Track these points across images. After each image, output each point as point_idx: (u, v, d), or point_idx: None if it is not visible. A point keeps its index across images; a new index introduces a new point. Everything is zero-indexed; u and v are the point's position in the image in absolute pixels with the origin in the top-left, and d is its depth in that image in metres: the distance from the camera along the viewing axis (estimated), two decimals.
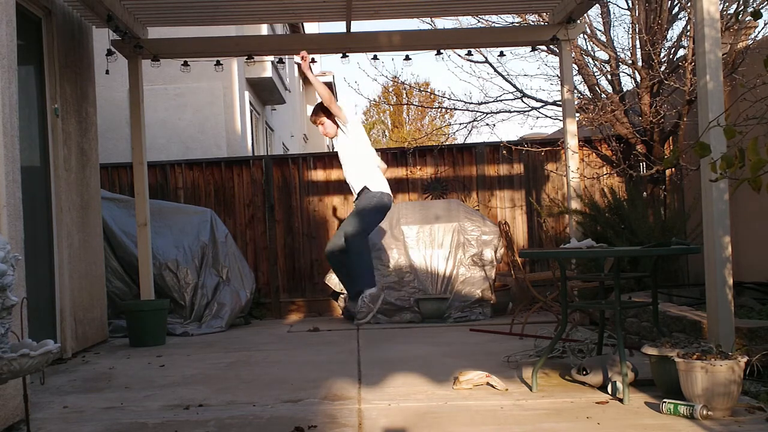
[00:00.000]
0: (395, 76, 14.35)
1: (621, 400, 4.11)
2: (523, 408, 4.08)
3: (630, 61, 8.48)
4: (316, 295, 9.48)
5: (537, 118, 10.08)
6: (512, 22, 9.28)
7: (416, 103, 16.29)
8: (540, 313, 7.06)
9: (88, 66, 7.30)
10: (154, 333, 7.02)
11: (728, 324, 4.45)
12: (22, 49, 5.19)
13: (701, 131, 4.34)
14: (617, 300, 4.40)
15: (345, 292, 8.34)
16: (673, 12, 8.26)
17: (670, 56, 8.31)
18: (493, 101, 9.49)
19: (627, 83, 9.05)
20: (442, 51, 8.28)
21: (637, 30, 8.31)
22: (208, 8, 7.32)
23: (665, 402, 3.87)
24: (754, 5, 6.86)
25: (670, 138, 8.41)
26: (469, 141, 10.10)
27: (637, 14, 8.30)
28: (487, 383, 4.55)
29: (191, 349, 6.68)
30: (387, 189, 6.20)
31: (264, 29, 13.04)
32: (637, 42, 8.34)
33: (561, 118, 8.35)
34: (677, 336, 4.62)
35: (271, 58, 12.18)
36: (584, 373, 4.46)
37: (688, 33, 7.72)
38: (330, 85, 25.08)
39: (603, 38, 8.86)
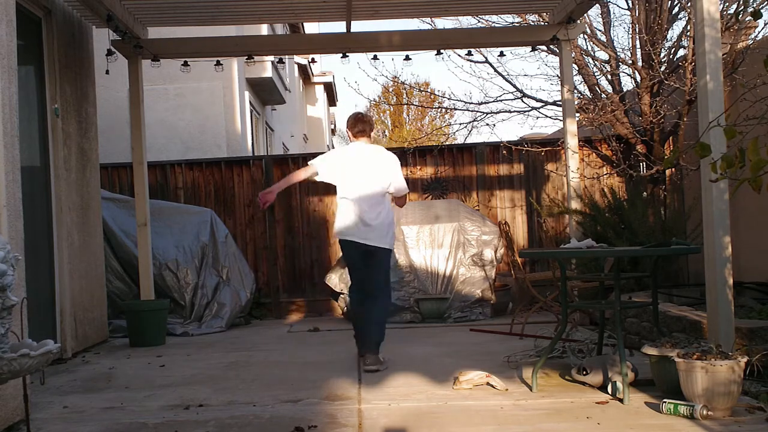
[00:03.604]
0: (395, 76, 14.35)
1: (621, 400, 4.11)
2: (523, 408, 4.08)
3: (630, 61, 8.48)
4: (316, 295, 9.47)
5: (537, 118, 10.08)
6: (512, 22, 9.28)
7: (416, 103, 16.27)
8: (540, 313, 7.06)
9: (88, 66, 7.30)
10: (154, 333, 7.02)
11: (728, 324, 4.45)
12: (22, 49, 5.19)
13: (701, 131, 4.34)
14: (617, 300, 4.40)
15: (345, 292, 8.35)
16: (673, 12, 8.25)
17: (670, 56, 8.31)
18: (493, 101, 9.48)
19: (627, 83, 9.05)
20: (442, 51, 8.27)
21: (637, 30, 8.31)
22: (208, 8, 7.32)
23: (665, 402, 3.87)
24: (754, 5, 6.85)
25: (670, 138, 8.40)
26: (469, 141, 10.10)
27: (637, 14, 8.30)
28: (487, 383, 4.55)
29: (191, 349, 6.68)
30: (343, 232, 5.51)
31: (264, 29, 13.04)
32: (637, 42, 8.34)
33: (561, 118, 8.35)
34: (677, 336, 4.62)
35: (271, 58, 12.18)
36: (584, 373, 4.46)
37: (688, 33, 7.71)
38: (330, 85, 25.14)
39: (603, 38, 8.86)
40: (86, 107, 7.13)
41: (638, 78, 8.44)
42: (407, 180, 9.64)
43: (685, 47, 8.05)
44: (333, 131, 30.50)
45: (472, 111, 9.68)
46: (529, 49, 8.53)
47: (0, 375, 3.27)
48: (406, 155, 9.71)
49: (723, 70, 4.81)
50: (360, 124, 5.64)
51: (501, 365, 5.20)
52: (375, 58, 8.51)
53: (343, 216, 5.47)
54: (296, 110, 20.48)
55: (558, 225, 9.42)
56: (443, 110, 13.33)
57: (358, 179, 5.49)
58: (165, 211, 8.52)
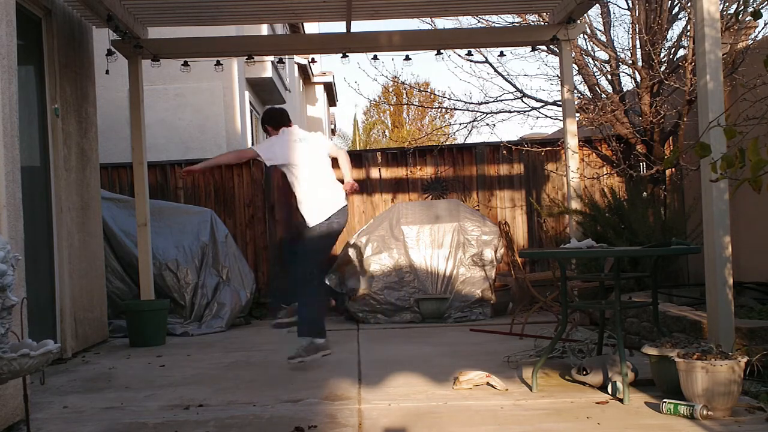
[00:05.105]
0: (395, 76, 14.32)
1: (621, 400, 4.11)
2: (523, 408, 4.08)
3: (630, 61, 8.48)
4: None
5: (537, 118, 10.08)
6: (512, 22, 9.28)
7: (416, 103, 16.28)
8: (540, 313, 7.06)
9: (88, 66, 7.30)
10: (154, 333, 7.02)
11: (728, 324, 4.45)
12: (22, 49, 5.19)
13: (701, 131, 4.34)
14: (617, 300, 4.40)
15: (344, 291, 8.34)
16: (673, 12, 8.26)
17: (670, 56, 8.31)
18: (493, 101, 9.49)
19: (627, 83, 9.06)
20: (442, 51, 8.27)
21: (637, 30, 8.31)
22: (208, 8, 7.32)
23: (665, 402, 3.87)
24: (754, 5, 6.86)
25: (670, 138, 8.41)
26: (469, 141, 10.10)
27: (637, 14, 8.30)
28: (487, 383, 4.55)
29: (191, 349, 6.68)
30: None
31: (264, 29, 13.03)
32: (637, 42, 8.34)
33: (561, 118, 8.35)
34: (677, 336, 4.62)
35: (271, 58, 12.17)
36: (584, 373, 4.46)
37: (688, 33, 7.72)
38: (330, 85, 25.13)
39: (603, 38, 8.86)
40: (86, 107, 7.13)
41: (638, 78, 8.45)
42: (407, 180, 9.69)
43: (685, 47, 8.06)
44: (333, 131, 30.50)
45: (472, 111, 9.69)
46: (529, 49, 8.53)
47: (0, 375, 3.27)
48: (406, 155, 9.71)
49: (723, 70, 4.81)
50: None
51: (501, 365, 5.20)
52: (375, 58, 8.51)
53: None
54: (296, 110, 20.46)
55: (558, 225, 9.43)
56: (443, 110, 13.34)
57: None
58: (165, 211, 8.52)
